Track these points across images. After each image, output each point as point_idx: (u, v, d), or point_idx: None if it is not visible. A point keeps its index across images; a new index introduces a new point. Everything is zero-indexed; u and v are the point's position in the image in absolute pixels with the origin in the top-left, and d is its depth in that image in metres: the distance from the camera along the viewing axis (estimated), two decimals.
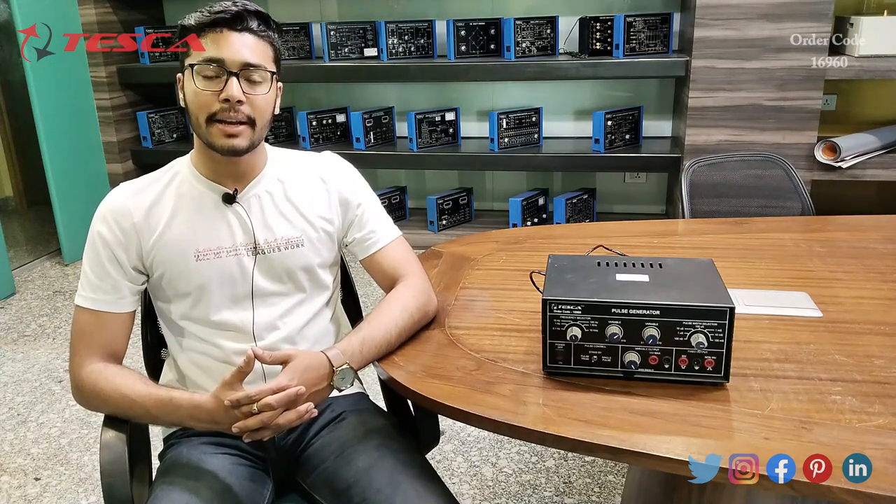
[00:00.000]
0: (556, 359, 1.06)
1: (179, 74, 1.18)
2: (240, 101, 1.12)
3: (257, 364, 1.13)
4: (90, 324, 1.18)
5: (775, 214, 2.09)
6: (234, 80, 1.12)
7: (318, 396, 1.10)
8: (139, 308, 1.25)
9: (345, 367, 1.10)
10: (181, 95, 1.18)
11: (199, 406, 1.08)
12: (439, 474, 1.16)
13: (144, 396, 1.12)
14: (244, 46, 1.13)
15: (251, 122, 1.15)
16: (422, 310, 1.23)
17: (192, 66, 1.13)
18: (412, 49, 3.43)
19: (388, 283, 1.29)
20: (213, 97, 1.12)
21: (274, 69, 1.17)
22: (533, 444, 2.05)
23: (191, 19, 1.14)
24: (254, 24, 1.14)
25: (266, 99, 1.16)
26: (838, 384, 1.03)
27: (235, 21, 1.13)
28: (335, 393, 1.12)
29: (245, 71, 1.13)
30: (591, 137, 3.34)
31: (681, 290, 1.04)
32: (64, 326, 2.99)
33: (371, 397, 1.35)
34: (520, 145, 3.45)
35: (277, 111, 1.22)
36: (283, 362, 1.08)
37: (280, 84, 1.20)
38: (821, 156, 2.97)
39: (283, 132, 3.78)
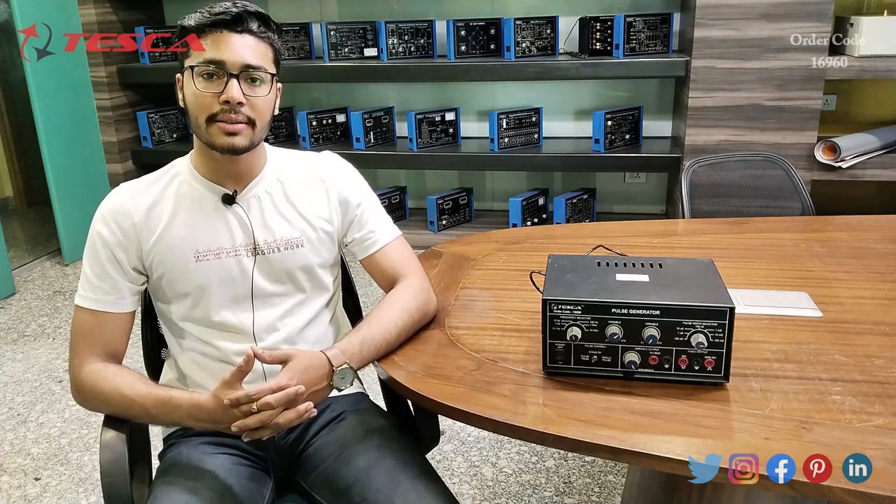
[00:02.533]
0: (556, 359, 1.06)
1: (178, 75, 1.17)
2: (240, 103, 1.12)
3: (257, 364, 1.13)
4: (90, 324, 1.18)
5: (775, 214, 2.09)
6: (234, 81, 1.12)
7: (318, 396, 1.10)
8: (139, 308, 1.25)
9: (344, 366, 1.10)
10: (180, 96, 1.18)
11: (198, 405, 1.08)
12: (439, 474, 1.16)
13: (144, 396, 1.12)
14: (245, 48, 1.13)
15: (251, 123, 1.15)
16: (421, 310, 1.23)
17: (192, 67, 1.13)
18: (412, 49, 3.43)
19: (388, 283, 1.29)
20: (214, 98, 1.12)
21: (274, 70, 1.17)
22: (533, 444, 2.05)
23: (190, 20, 1.14)
24: (254, 26, 1.14)
25: (266, 100, 1.16)
26: (838, 384, 1.03)
27: (236, 22, 1.13)
28: (335, 393, 1.12)
29: (245, 72, 1.13)
30: (591, 137, 3.34)
31: (681, 290, 1.04)
32: (64, 326, 2.99)
33: (371, 397, 1.35)
34: (520, 145, 3.45)
35: (277, 112, 1.22)
36: (283, 362, 1.08)
37: (279, 85, 1.20)
38: (821, 156, 2.97)
39: (283, 132, 3.78)
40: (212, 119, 1.13)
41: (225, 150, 1.15)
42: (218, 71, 1.12)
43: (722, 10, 2.89)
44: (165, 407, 1.11)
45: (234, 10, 1.12)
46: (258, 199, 1.23)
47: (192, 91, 1.13)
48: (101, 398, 1.15)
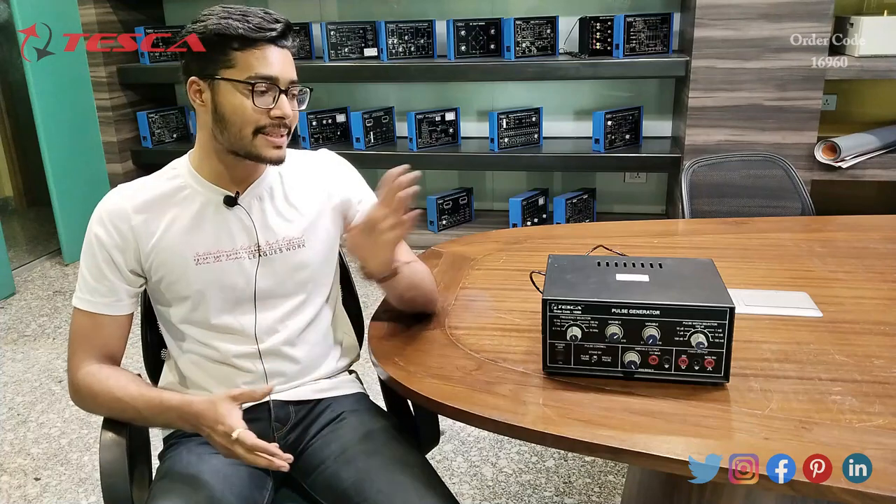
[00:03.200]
0: (556, 359, 1.06)
1: (195, 78, 1.13)
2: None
3: (258, 365, 1.13)
4: (87, 326, 1.17)
5: (775, 214, 2.09)
6: (284, 97, 1.12)
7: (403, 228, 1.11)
8: (138, 310, 1.25)
9: None
10: (199, 100, 1.14)
11: (188, 405, 1.07)
12: (439, 474, 1.16)
13: (136, 398, 1.12)
14: (289, 64, 1.14)
15: (289, 134, 1.17)
16: (434, 288, 1.28)
17: (249, 81, 1.10)
18: (412, 49, 3.43)
19: None
20: (264, 112, 1.12)
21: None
22: (533, 444, 2.04)
23: (232, 28, 1.09)
24: (289, 41, 1.15)
25: (298, 113, 1.19)
26: (838, 384, 1.03)
27: (281, 37, 1.13)
28: (335, 393, 1.11)
29: (291, 87, 1.14)
30: (591, 137, 3.33)
31: (681, 290, 1.04)
32: (64, 326, 2.99)
33: (371, 397, 1.35)
34: (520, 145, 3.45)
35: None
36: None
37: None
38: (821, 156, 2.97)
39: None
40: (258, 131, 1.13)
41: (273, 161, 1.16)
42: (270, 86, 1.11)
43: (722, 10, 2.89)
44: (156, 409, 1.10)
45: (278, 25, 1.12)
46: (259, 200, 1.22)
47: (240, 104, 1.11)
48: (97, 400, 1.15)
